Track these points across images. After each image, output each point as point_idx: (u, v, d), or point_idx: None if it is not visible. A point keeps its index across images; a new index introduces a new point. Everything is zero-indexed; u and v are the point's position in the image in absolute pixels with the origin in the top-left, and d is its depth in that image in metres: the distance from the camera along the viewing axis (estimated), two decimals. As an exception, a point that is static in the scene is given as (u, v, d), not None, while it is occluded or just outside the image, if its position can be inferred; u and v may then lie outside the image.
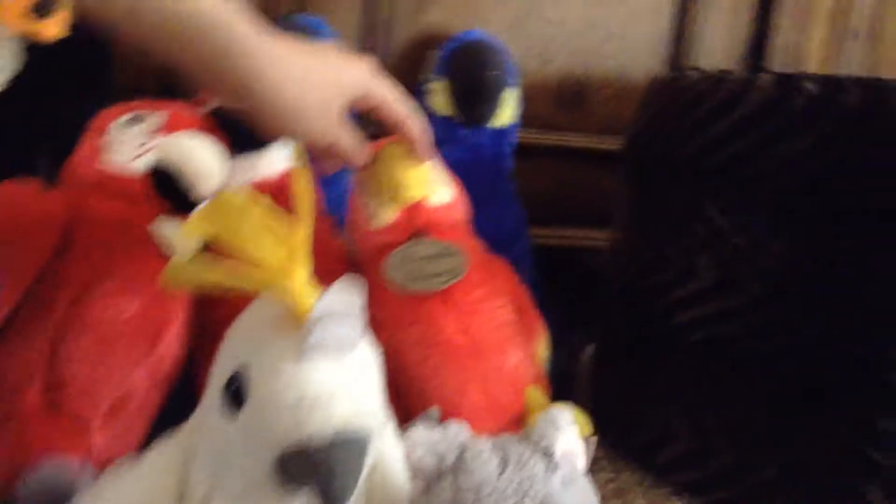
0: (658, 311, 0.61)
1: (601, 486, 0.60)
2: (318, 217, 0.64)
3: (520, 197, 0.85)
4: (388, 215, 0.56)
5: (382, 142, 0.57)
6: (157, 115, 0.57)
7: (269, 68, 0.45)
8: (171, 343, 0.53)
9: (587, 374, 0.73)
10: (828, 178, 0.53)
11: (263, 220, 0.34)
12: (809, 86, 0.54)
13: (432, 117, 0.78)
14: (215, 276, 0.34)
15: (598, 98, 0.98)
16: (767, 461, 0.55)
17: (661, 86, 0.68)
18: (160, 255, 0.52)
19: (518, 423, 0.54)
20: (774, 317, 0.54)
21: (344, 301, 0.33)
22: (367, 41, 0.89)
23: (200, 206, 0.37)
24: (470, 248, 0.58)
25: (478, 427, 0.53)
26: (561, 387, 0.62)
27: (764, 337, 0.55)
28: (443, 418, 0.51)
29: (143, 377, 0.51)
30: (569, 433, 0.38)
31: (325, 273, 0.59)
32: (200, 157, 0.56)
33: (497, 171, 0.83)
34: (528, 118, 0.89)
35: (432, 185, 0.58)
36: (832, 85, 0.54)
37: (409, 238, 0.56)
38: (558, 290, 0.82)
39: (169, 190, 0.56)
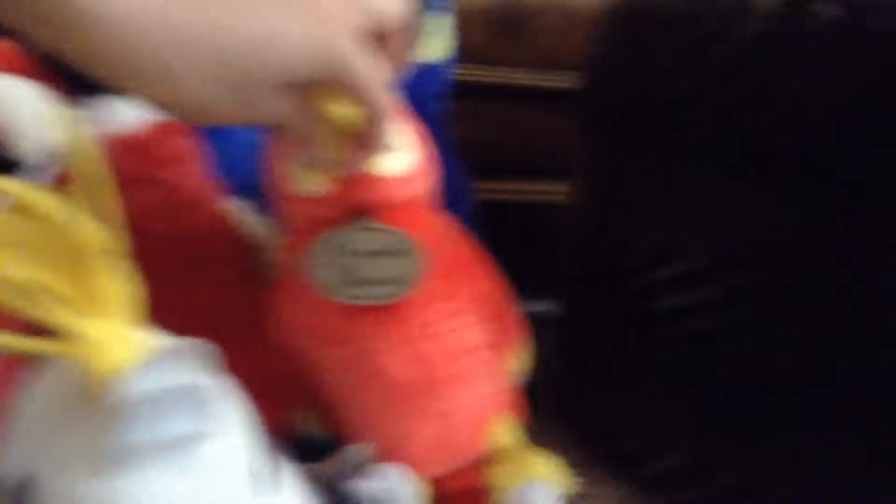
0: (635, 295, 0.49)
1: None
2: (199, 183, 0.50)
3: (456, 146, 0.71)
4: (318, 186, 0.38)
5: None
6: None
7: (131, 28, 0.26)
8: None
9: (551, 367, 0.61)
10: (855, 128, 0.42)
11: (29, 238, 0.20)
12: (826, 9, 0.42)
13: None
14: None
15: (538, 27, 0.85)
16: (778, 481, 0.45)
17: (629, 9, 0.55)
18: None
19: (477, 463, 0.43)
20: (786, 305, 0.43)
21: (182, 362, 0.19)
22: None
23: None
24: (433, 235, 0.42)
25: (427, 470, 0.42)
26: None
27: (771, 329, 0.44)
28: (383, 457, 0.39)
29: None
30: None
31: (209, 262, 0.45)
32: (16, 103, 0.40)
33: (428, 117, 0.69)
34: (462, 52, 0.75)
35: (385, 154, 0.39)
36: (856, 6, 0.42)
37: (349, 216, 0.38)
38: (507, 256, 0.70)
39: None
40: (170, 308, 0.41)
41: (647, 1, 0.53)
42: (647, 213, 0.49)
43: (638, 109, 0.51)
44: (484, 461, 0.43)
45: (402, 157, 0.40)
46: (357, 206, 0.38)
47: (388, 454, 0.40)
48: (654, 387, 0.50)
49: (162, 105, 0.29)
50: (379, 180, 0.38)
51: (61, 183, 0.42)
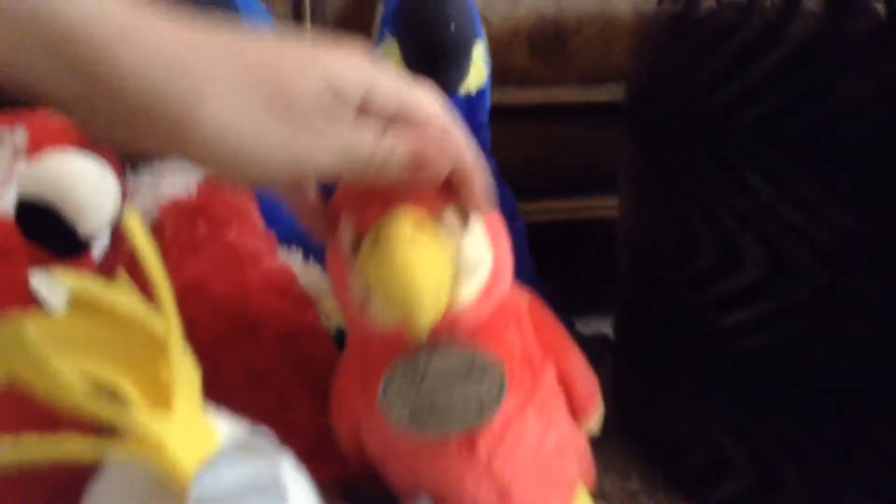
0: (696, 312, 0.48)
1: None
2: (257, 238, 0.51)
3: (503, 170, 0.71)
4: (390, 319, 0.33)
5: (386, 199, 0.33)
6: (14, 133, 0.43)
7: (183, 72, 0.25)
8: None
9: (610, 387, 0.60)
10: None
11: (92, 334, 0.21)
12: (873, 6, 0.41)
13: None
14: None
15: (579, 42, 0.84)
16: (849, 493, 0.43)
17: (670, 17, 0.54)
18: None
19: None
20: (848, 311, 0.42)
21: (250, 452, 0.20)
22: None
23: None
24: (511, 341, 0.37)
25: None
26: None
27: (836, 338, 0.42)
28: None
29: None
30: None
31: (269, 317, 0.46)
32: (82, 181, 0.42)
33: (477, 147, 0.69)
34: (505, 74, 0.75)
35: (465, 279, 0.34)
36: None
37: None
38: (559, 275, 0.70)
39: (45, 230, 0.43)
40: (233, 366, 0.42)
41: (688, 8, 0.52)
42: (700, 225, 0.48)
43: (685, 118, 0.50)
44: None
45: (479, 274, 0.34)
46: (433, 331, 0.34)
47: None
48: (717, 404, 0.48)
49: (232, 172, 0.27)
50: (457, 313, 0.34)
51: (112, 257, 0.44)
